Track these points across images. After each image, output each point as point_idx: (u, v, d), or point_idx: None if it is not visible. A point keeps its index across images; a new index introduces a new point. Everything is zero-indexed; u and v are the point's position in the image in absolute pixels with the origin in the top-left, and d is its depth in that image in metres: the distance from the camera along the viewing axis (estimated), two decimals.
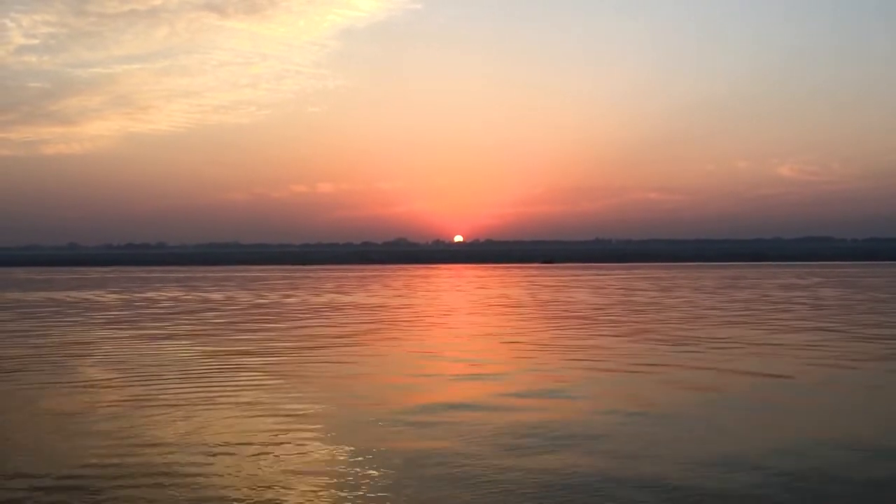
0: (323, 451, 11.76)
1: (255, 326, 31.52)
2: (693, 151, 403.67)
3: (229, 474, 10.58)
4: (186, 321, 34.20)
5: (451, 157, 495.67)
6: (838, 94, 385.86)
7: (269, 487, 9.99)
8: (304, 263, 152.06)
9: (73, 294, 57.31)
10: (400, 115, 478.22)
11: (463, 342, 25.73)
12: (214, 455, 11.52)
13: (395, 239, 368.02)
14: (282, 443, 12.26)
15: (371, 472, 10.64)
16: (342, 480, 10.29)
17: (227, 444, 12.22)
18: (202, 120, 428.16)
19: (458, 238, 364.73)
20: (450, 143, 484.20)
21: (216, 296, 53.64)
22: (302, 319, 34.62)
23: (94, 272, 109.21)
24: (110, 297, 52.64)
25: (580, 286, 62.76)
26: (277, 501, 9.48)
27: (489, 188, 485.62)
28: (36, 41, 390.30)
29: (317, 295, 53.27)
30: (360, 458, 11.29)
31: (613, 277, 78.62)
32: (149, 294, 56.51)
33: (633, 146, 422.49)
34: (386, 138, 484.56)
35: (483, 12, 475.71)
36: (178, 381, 18.34)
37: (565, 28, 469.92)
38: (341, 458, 11.39)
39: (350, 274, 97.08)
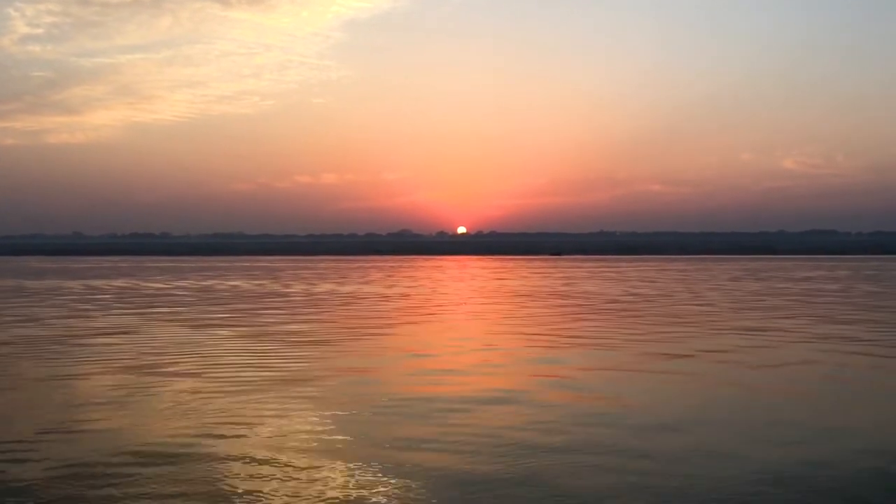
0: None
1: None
2: (697, 144, 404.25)
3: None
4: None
5: (454, 149, 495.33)
6: (842, 87, 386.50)
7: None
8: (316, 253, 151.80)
9: (116, 283, 58.15)
10: (404, 106, 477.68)
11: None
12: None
13: (400, 230, 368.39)
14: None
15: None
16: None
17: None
18: (206, 110, 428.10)
19: (462, 229, 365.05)
20: (453, 135, 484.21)
21: (299, 286, 54.44)
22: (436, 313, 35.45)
23: (106, 261, 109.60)
24: (153, 286, 53.51)
25: (660, 279, 63.58)
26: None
27: (493, 179, 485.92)
28: (40, 30, 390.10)
29: (412, 287, 54.07)
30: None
31: (649, 270, 79.11)
32: (207, 283, 57.34)
33: (636, 138, 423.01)
34: (390, 129, 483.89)
35: (488, 3, 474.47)
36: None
37: (570, 20, 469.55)
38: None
39: (377, 265, 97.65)
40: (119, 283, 56.23)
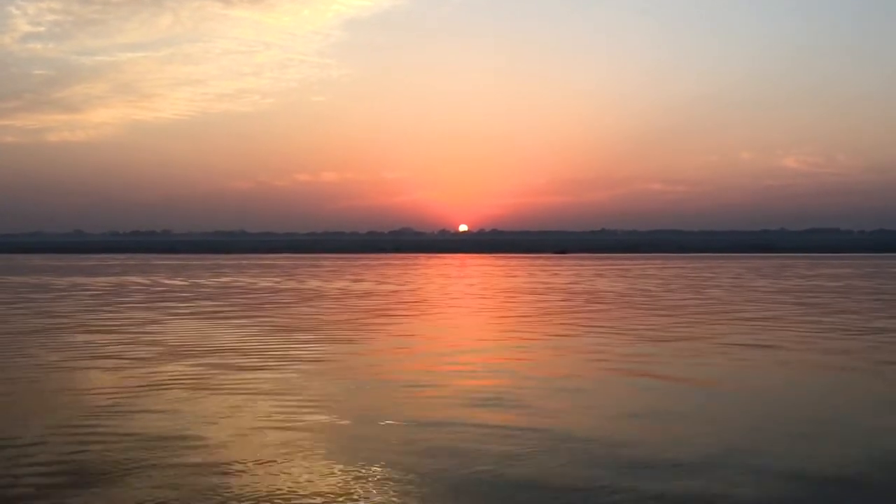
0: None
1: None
2: (697, 142, 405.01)
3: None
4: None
5: (455, 147, 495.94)
6: (842, 86, 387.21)
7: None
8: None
9: (138, 279, 58.55)
10: (404, 105, 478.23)
11: None
12: None
13: (401, 228, 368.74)
14: None
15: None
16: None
17: None
18: (206, 108, 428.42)
19: (463, 227, 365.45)
20: (454, 133, 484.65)
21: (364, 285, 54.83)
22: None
23: (112, 259, 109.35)
24: (180, 283, 53.94)
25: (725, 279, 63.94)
26: None
27: (493, 178, 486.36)
28: (41, 29, 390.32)
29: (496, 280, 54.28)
30: None
31: (680, 268, 79.20)
32: (238, 280, 57.67)
33: (636, 137, 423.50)
34: (390, 128, 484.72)
35: (488, 2, 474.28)
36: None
37: (571, 19, 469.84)
38: None
39: (386, 262, 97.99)
40: (139, 279, 56.59)
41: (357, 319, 28.10)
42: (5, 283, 51.87)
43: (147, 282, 53.58)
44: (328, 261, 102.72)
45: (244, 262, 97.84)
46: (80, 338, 22.73)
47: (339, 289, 45.78)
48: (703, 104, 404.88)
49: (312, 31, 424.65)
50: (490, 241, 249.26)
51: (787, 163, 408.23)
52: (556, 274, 64.32)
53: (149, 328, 25.24)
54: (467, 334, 24.44)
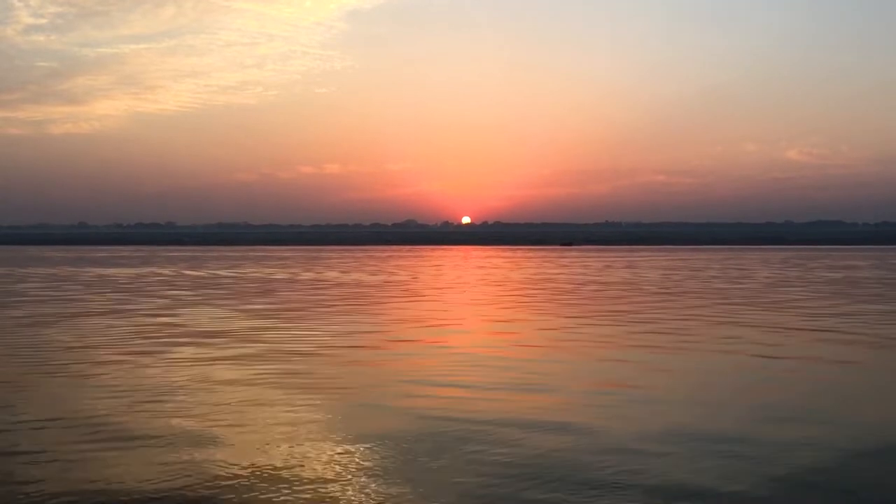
0: None
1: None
2: (701, 134, 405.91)
3: None
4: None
5: (458, 139, 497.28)
6: (847, 78, 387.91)
7: None
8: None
9: (162, 272, 58.80)
10: (407, 97, 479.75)
11: None
12: None
13: (405, 220, 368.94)
14: None
15: None
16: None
17: None
18: (209, 100, 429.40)
19: (466, 219, 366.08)
20: (457, 125, 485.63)
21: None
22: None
23: (122, 251, 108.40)
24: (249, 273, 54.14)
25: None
26: None
27: (497, 170, 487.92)
28: (44, 20, 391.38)
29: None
30: None
31: (716, 261, 79.04)
32: (246, 271, 57.83)
33: (640, 129, 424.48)
34: (393, 120, 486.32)
35: None
36: None
37: (576, 11, 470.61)
38: None
39: (397, 255, 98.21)
40: (164, 271, 56.77)
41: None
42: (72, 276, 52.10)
43: (230, 274, 53.85)
44: (337, 253, 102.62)
45: (250, 254, 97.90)
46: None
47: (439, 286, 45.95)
48: (707, 96, 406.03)
49: (315, 23, 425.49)
50: (494, 234, 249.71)
51: (791, 155, 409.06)
52: (610, 266, 64.40)
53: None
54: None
